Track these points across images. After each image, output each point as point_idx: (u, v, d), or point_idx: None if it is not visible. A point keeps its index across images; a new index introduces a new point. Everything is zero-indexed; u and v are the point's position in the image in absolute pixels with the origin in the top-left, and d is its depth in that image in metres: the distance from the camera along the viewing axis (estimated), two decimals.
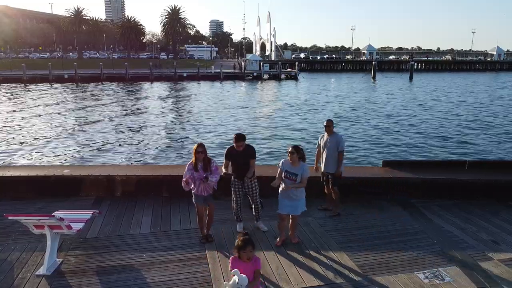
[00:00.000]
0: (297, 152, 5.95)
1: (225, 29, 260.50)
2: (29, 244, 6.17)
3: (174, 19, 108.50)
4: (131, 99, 41.25)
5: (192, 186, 6.17)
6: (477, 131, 23.85)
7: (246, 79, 68.26)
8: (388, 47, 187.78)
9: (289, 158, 6.01)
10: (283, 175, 6.06)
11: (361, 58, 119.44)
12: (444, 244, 6.26)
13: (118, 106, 35.65)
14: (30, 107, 34.05)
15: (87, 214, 6.27)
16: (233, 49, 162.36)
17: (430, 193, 8.27)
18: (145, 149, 19.34)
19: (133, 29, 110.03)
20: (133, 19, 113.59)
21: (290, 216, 6.23)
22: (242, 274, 3.82)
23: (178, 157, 17.78)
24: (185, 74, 67.28)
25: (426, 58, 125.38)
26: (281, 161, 6.19)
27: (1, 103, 37.16)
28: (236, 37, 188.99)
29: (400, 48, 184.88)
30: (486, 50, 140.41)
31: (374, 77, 70.36)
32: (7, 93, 46.52)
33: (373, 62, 75.43)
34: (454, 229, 6.84)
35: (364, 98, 42.90)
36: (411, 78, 71.26)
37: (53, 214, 5.77)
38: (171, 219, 7.25)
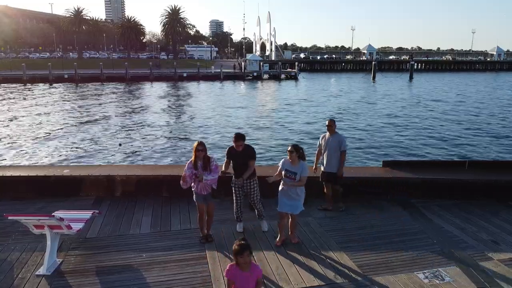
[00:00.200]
0: (297, 151, 5.97)
1: (225, 29, 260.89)
2: (29, 244, 6.17)
3: (174, 19, 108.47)
4: (131, 99, 41.25)
5: (193, 184, 6.17)
6: (477, 131, 23.85)
7: (246, 79, 68.27)
8: (388, 47, 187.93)
9: (288, 157, 6.03)
10: (283, 174, 6.08)
11: (361, 58, 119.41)
12: (444, 244, 6.26)
13: (118, 106, 35.66)
14: (30, 107, 34.06)
15: (87, 214, 6.27)
16: (233, 49, 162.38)
17: (430, 193, 8.27)
18: (145, 149, 19.35)
19: (133, 29, 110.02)
20: (133, 19, 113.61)
21: (289, 215, 6.23)
22: None
23: (178, 157, 17.79)
24: (185, 74, 67.29)
25: (426, 58, 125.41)
26: (281, 160, 6.21)
27: (1, 103, 37.14)
28: (236, 37, 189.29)
29: (400, 48, 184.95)
30: (486, 50, 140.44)
31: (374, 77, 70.36)
32: (7, 93, 46.51)
33: (373, 62, 75.44)
34: (454, 229, 6.84)
35: (364, 98, 42.91)
36: (411, 78, 71.30)
37: (53, 214, 5.77)
38: (171, 219, 7.25)
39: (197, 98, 43.20)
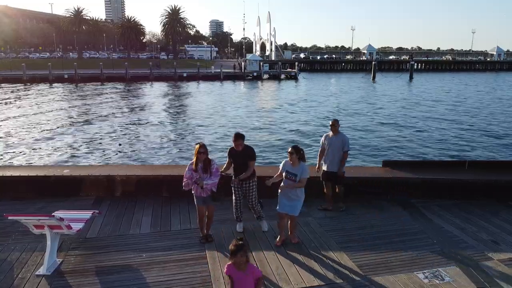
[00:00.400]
0: (297, 153, 5.97)
1: (225, 29, 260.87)
2: (29, 244, 6.17)
3: (174, 19, 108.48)
4: (131, 99, 41.25)
5: (192, 186, 6.17)
6: (477, 131, 23.85)
7: (246, 79, 68.26)
8: (388, 47, 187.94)
9: (289, 159, 6.03)
10: (283, 175, 6.08)
11: (361, 58, 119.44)
12: (444, 244, 6.26)
13: (118, 106, 35.65)
14: (30, 107, 34.05)
15: (87, 214, 6.27)
16: (233, 49, 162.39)
17: (430, 193, 8.27)
18: (145, 149, 19.35)
19: (133, 29, 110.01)
20: (133, 19, 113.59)
21: (289, 215, 6.23)
22: None
23: (178, 157, 17.79)
24: (185, 74, 67.28)
25: (426, 58, 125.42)
26: (282, 162, 6.21)
27: (1, 103, 37.14)
28: (236, 37, 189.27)
29: (400, 48, 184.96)
30: (486, 50, 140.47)
31: (374, 77, 70.34)
32: (7, 93, 46.51)
33: (373, 62, 75.40)
34: (454, 229, 6.84)
35: (364, 98, 42.91)
36: (411, 78, 71.30)
37: (53, 214, 5.77)
38: (171, 219, 7.25)
39: (197, 98, 43.20)
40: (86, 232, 6.59)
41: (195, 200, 6.27)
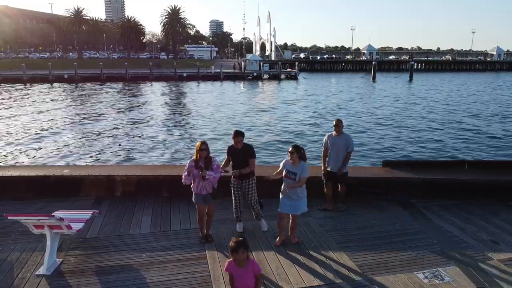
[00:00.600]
0: (297, 152, 5.97)
1: (225, 29, 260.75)
2: (29, 244, 6.17)
3: (174, 19, 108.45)
4: (131, 99, 41.26)
5: (192, 184, 6.17)
6: (477, 131, 23.85)
7: (246, 79, 68.27)
8: (388, 47, 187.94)
9: (289, 158, 6.03)
10: (284, 174, 6.08)
11: (361, 58, 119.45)
12: (444, 244, 6.26)
13: (118, 106, 35.65)
14: (30, 107, 34.05)
15: (87, 214, 6.27)
16: (233, 49, 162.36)
17: (430, 193, 8.27)
18: (145, 149, 19.35)
19: (133, 29, 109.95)
20: (133, 19, 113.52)
21: (290, 215, 6.23)
22: None
23: (178, 157, 17.79)
24: (185, 74, 67.29)
25: (426, 58, 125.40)
26: (283, 161, 6.21)
27: (1, 103, 37.14)
28: (236, 37, 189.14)
29: (400, 48, 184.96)
30: (486, 50, 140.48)
31: (374, 77, 70.35)
32: (7, 93, 46.51)
33: (373, 62, 75.41)
34: (454, 229, 6.84)
35: (364, 98, 42.91)
36: (411, 78, 71.30)
37: (53, 214, 5.76)
38: (171, 219, 7.25)
39: (197, 98, 43.20)
40: (86, 232, 6.59)
41: (194, 198, 6.26)
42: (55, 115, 30.05)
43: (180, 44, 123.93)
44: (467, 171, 8.74)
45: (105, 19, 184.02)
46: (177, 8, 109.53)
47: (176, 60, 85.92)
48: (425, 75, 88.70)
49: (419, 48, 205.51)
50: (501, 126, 25.79)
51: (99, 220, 7.06)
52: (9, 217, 5.51)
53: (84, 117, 29.10)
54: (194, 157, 6.07)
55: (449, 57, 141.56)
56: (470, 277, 5.29)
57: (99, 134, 22.78)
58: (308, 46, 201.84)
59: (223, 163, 6.72)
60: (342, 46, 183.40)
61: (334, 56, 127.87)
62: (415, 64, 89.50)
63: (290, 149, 6.03)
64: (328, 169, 7.60)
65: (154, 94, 47.42)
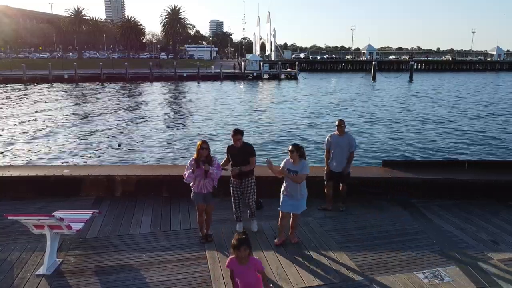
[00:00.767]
0: (297, 150, 5.99)
1: (225, 29, 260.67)
2: (29, 244, 6.17)
3: (174, 19, 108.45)
4: (131, 99, 41.26)
5: (192, 183, 6.16)
6: (477, 131, 23.84)
7: (246, 79, 68.26)
8: (388, 47, 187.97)
9: (289, 157, 6.04)
10: (285, 173, 6.08)
11: (361, 58, 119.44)
12: (444, 244, 6.26)
13: (118, 106, 35.65)
14: (30, 107, 34.05)
15: (87, 214, 6.27)
16: (233, 49, 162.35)
17: (430, 193, 8.27)
18: (145, 149, 19.35)
19: (133, 29, 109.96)
20: (133, 19, 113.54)
21: (291, 215, 6.24)
22: None
23: (178, 157, 17.79)
24: (185, 74, 67.30)
25: (426, 58, 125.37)
26: (283, 161, 6.22)
27: (1, 103, 37.15)
28: (236, 37, 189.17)
29: (400, 48, 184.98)
30: (486, 50, 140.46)
31: (374, 77, 70.35)
32: (7, 93, 46.51)
33: (373, 62, 75.41)
34: (454, 229, 6.84)
35: (363, 98, 42.91)
36: (411, 78, 71.29)
37: (53, 214, 5.77)
38: (171, 219, 7.25)
39: (197, 98, 43.19)
40: (86, 232, 6.60)
41: (192, 197, 6.25)
42: (55, 115, 30.04)
43: (180, 44, 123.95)
44: (467, 171, 8.75)
45: (105, 19, 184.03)
46: (177, 8, 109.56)
47: (176, 60, 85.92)
48: (425, 75, 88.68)
49: (419, 48, 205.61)
50: (501, 126, 25.79)
51: (99, 220, 7.06)
52: (9, 217, 5.51)
53: (84, 117, 29.10)
54: (195, 156, 6.08)
55: (449, 57, 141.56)
56: (470, 277, 5.30)
57: (99, 134, 22.78)
58: (308, 46, 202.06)
59: (223, 162, 6.73)
60: (342, 46, 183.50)
61: (334, 56, 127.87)
62: (415, 64, 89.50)
63: (290, 148, 6.05)
64: (331, 168, 7.60)
65: (154, 94, 47.42)
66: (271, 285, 4.90)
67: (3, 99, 40.52)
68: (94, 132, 23.50)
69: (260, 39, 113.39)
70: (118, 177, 8.32)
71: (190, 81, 65.04)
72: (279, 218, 6.30)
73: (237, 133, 6.41)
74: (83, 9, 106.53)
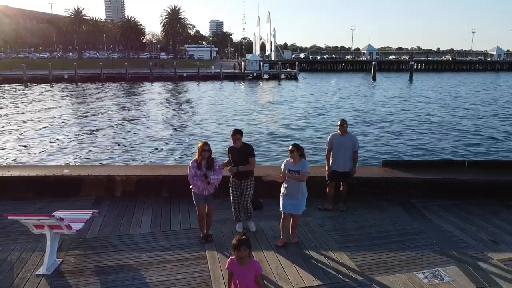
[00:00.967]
0: (297, 150, 6.00)
1: (225, 29, 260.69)
2: (29, 244, 6.17)
3: (174, 19, 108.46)
4: (131, 99, 41.26)
5: (192, 185, 6.16)
6: (477, 131, 23.84)
7: (246, 79, 68.26)
8: (388, 47, 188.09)
9: (290, 157, 6.04)
10: (286, 174, 6.08)
11: (361, 58, 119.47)
12: (444, 244, 6.27)
13: (118, 106, 35.65)
14: (30, 107, 34.05)
15: (87, 214, 6.28)
16: (233, 49, 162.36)
17: (430, 193, 8.27)
18: (145, 149, 19.34)
19: (133, 29, 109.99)
20: (133, 19, 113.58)
21: (292, 215, 6.24)
22: None
23: (178, 157, 17.79)
24: (185, 74, 67.31)
25: (426, 58, 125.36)
26: (283, 163, 6.21)
27: (1, 103, 37.15)
28: (236, 37, 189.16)
29: (400, 48, 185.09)
30: (486, 50, 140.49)
31: (374, 77, 70.35)
32: (7, 93, 46.51)
33: (373, 62, 75.40)
34: (453, 229, 6.84)
35: (363, 98, 42.92)
36: (411, 78, 71.32)
37: (53, 214, 5.77)
38: (171, 219, 7.25)
39: (197, 98, 43.19)
40: (86, 232, 6.60)
41: (194, 199, 6.26)
42: (55, 115, 30.03)
43: (180, 44, 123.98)
44: (467, 171, 8.75)
45: (105, 19, 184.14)
46: (177, 8, 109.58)
47: (176, 60, 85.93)
48: (425, 75, 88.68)
49: (419, 48, 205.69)
50: (501, 126, 25.79)
51: (99, 220, 7.06)
52: (9, 217, 5.51)
53: (84, 117, 29.10)
54: (196, 157, 6.08)
55: (449, 57, 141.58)
56: (470, 277, 5.30)
57: (99, 134, 22.78)
58: (308, 46, 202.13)
59: (224, 162, 6.75)
60: (342, 46, 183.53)
61: (334, 56, 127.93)
62: (415, 64, 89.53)
63: (290, 147, 6.06)
64: (333, 168, 7.59)
65: (154, 94, 47.41)
66: None
67: (3, 99, 40.51)
68: (94, 132, 23.50)
69: (260, 39, 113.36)
70: (118, 177, 8.33)
71: (190, 81, 65.05)
72: (281, 219, 6.30)
73: (236, 133, 6.44)
74: (83, 9, 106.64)
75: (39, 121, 27.26)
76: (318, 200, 7.68)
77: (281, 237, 6.31)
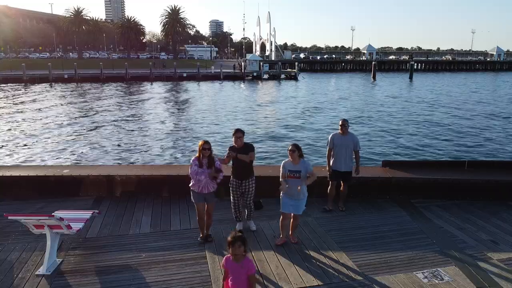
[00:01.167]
0: (298, 150, 6.00)
1: (225, 29, 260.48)
2: (29, 244, 6.18)
3: (174, 19, 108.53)
4: (131, 99, 41.25)
5: (192, 183, 6.16)
6: (477, 131, 23.85)
7: (246, 79, 68.28)
8: (388, 47, 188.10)
9: (290, 157, 6.04)
10: (286, 175, 6.08)
11: (361, 58, 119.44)
12: (444, 244, 6.27)
13: (118, 106, 35.66)
14: (30, 107, 34.05)
15: (86, 214, 6.28)
16: (233, 49, 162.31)
17: (430, 193, 8.26)
18: (145, 149, 19.35)
19: (133, 29, 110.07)
20: (133, 19, 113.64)
21: (292, 215, 6.24)
22: None
23: (178, 157, 17.79)
24: (185, 74, 67.32)
25: (426, 58, 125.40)
26: (282, 164, 6.20)
27: (1, 103, 37.14)
28: (236, 37, 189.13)
29: (400, 48, 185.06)
30: (486, 50, 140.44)
31: (374, 77, 70.38)
32: (7, 93, 46.51)
33: (373, 62, 75.46)
34: (453, 229, 6.84)
35: (363, 98, 42.92)
36: (411, 78, 71.33)
37: (53, 214, 5.77)
38: (171, 219, 7.25)
39: (197, 98, 43.20)
40: (86, 232, 6.60)
41: (193, 198, 6.24)
42: (55, 115, 30.04)
43: (180, 44, 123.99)
44: (467, 171, 8.75)
45: (105, 19, 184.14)
46: (177, 8, 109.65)
47: (176, 60, 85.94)
48: (425, 75, 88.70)
49: (419, 48, 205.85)
50: (501, 126, 25.79)
51: (99, 220, 7.06)
52: (9, 217, 5.51)
53: (84, 117, 29.11)
54: (197, 154, 6.09)
55: (449, 57, 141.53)
56: (470, 277, 5.30)
57: (99, 134, 22.78)
58: (308, 46, 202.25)
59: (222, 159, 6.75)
60: (342, 46, 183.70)
61: (334, 56, 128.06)
62: (415, 64, 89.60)
63: (291, 147, 6.05)
64: (334, 168, 7.59)
65: (154, 94, 47.40)
66: None
67: (3, 99, 40.51)
68: (94, 132, 23.50)
69: (260, 39, 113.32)
70: (118, 177, 8.32)
71: (190, 81, 65.06)
72: (280, 219, 6.30)
73: (238, 131, 6.50)
74: (83, 9, 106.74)
75: (39, 121, 27.27)
76: (318, 200, 7.69)
77: (281, 236, 6.31)
